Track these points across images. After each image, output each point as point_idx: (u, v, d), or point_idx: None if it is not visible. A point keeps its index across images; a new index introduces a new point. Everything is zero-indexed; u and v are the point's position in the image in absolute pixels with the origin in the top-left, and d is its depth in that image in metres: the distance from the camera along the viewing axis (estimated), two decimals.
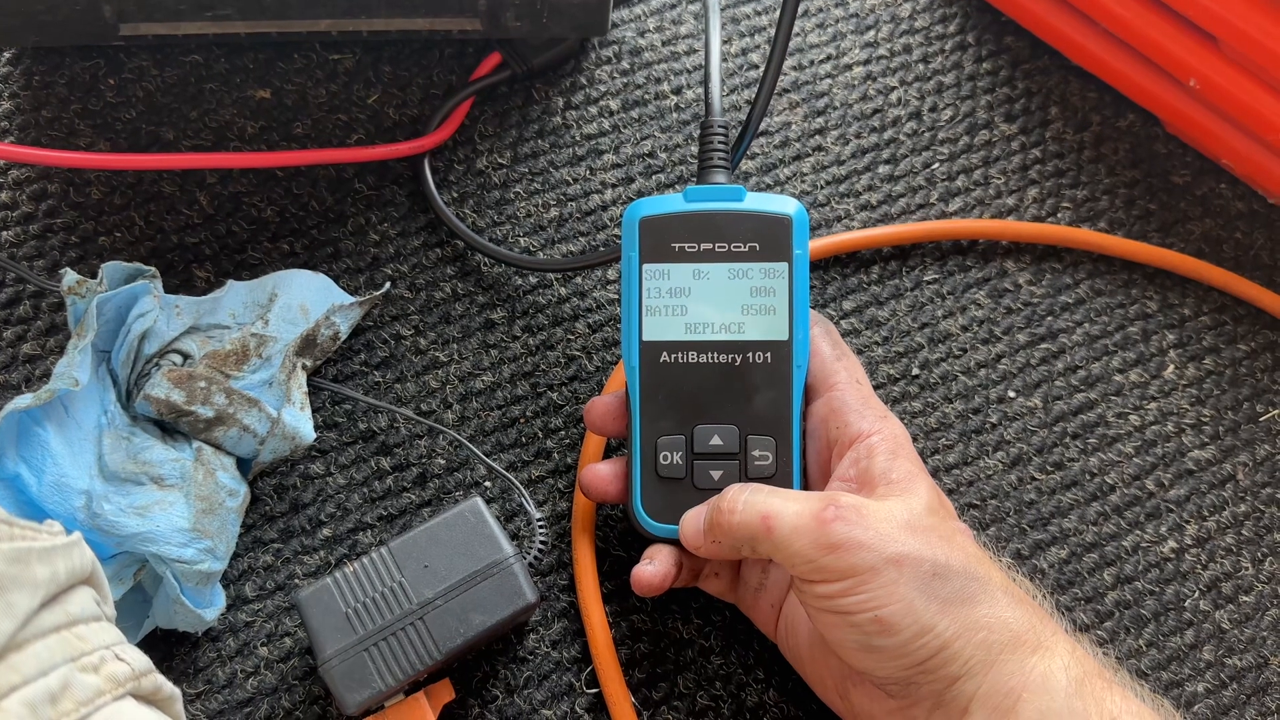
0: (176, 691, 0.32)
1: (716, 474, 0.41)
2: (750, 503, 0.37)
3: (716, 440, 0.41)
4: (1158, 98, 0.55)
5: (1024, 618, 0.35)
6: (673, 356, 0.41)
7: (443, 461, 0.47)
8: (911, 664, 0.35)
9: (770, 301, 0.41)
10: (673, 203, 0.41)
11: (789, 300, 0.41)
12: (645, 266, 0.41)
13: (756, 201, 0.41)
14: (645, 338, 0.41)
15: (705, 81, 0.44)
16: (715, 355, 0.41)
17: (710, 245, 0.41)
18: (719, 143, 0.43)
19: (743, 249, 0.41)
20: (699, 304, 0.41)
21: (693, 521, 0.40)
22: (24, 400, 0.39)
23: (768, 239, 0.41)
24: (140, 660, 0.31)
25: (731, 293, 0.41)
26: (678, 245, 0.41)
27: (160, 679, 0.31)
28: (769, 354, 0.41)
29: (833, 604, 0.35)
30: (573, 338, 0.49)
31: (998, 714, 0.34)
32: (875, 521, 0.35)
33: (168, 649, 0.43)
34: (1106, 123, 0.56)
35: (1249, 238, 0.54)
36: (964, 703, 0.35)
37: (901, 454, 0.39)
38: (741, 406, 0.41)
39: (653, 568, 0.40)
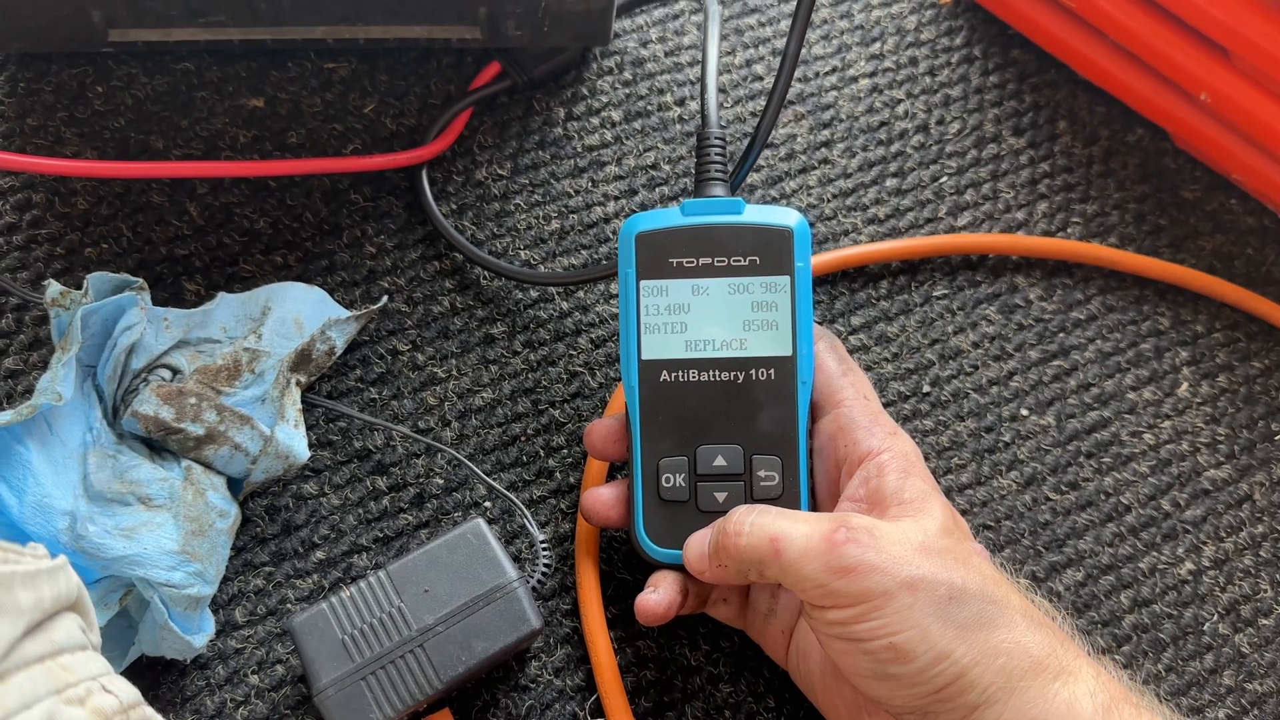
0: None
1: (721, 496, 0.40)
2: (758, 524, 0.36)
3: (720, 461, 0.40)
4: (1167, 112, 0.54)
5: (1045, 642, 0.34)
6: (673, 375, 0.40)
7: (441, 481, 0.45)
8: (928, 692, 0.34)
9: (773, 316, 0.40)
10: (670, 217, 0.40)
11: (792, 315, 0.40)
12: (643, 283, 0.40)
13: (756, 214, 0.40)
14: (644, 356, 0.40)
15: (702, 92, 0.43)
16: (717, 373, 0.40)
17: (709, 260, 0.40)
18: (716, 154, 0.42)
19: (743, 263, 0.40)
20: (699, 320, 0.40)
21: (697, 545, 0.38)
22: (3, 417, 0.38)
23: (768, 252, 0.40)
24: (128, 692, 0.29)
25: (732, 308, 0.40)
26: (675, 260, 0.40)
27: (149, 711, 0.30)
28: (773, 370, 0.40)
29: (845, 630, 0.34)
30: (575, 353, 0.48)
31: None
32: (888, 544, 0.34)
33: (154, 677, 0.41)
34: (1115, 137, 0.55)
35: (1260, 254, 0.54)
36: None
37: (913, 472, 0.38)
38: (745, 425, 0.40)
39: (657, 596, 0.39)
